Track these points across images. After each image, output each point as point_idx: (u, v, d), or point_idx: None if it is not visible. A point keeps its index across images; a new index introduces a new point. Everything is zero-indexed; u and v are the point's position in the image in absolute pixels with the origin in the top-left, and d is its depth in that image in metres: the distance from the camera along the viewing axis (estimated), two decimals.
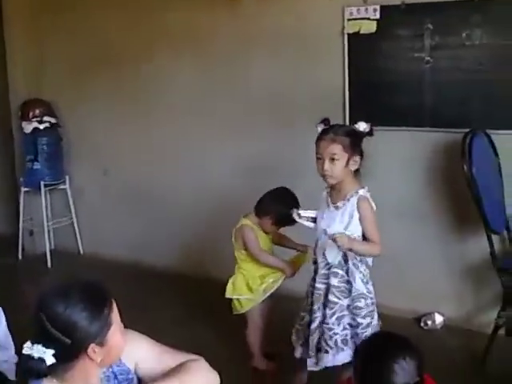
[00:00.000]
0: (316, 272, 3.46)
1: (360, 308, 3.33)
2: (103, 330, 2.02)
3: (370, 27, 4.50)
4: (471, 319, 4.53)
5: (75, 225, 6.51)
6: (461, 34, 4.22)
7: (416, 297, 4.63)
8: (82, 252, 6.54)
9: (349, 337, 3.33)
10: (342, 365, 3.34)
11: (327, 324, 3.35)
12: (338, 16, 4.62)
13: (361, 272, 3.35)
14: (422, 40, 4.36)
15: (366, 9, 4.50)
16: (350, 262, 3.32)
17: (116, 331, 2.08)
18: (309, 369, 3.50)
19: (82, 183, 6.44)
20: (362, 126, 3.32)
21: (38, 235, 6.46)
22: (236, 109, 5.29)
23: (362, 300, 3.34)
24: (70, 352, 1.98)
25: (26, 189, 6.32)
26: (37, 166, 6.19)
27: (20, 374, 1.99)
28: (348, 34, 4.60)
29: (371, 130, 3.33)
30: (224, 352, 4.11)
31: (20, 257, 6.47)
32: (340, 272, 3.34)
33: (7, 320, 3.16)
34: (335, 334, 3.34)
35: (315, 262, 3.48)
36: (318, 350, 3.41)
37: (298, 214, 3.44)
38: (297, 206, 3.84)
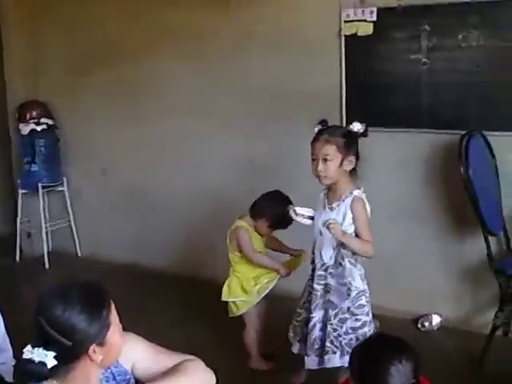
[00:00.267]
0: (314, 271, 3.48)
1: (363, 306, 3.36)
2: (103, 331, 2.02)
3: (366, 29, 4.51)
4: (469, 320, 4.54)
5: (73, 226, 6.51)
6: (457, 35, 4.23)
7: (413, 298, 4.63)
8: (79, 254, 6.54)
9: (353, 341, 3.35)
10: (340, 366, 3.36)
11: (331, 325, 3.39)
12: (335, 18, 4.63)
13: (359, 269, 3.37)
14: (419, 42, 4.37)
15: (363, 11, 4.51)
16: (346, 261, 3.34)
17: (115, 331, 2.09)
18: (307, 367, 3.52)
19: (80, 185, 6.43)
20: (357, 127, 3.35)
21: (36, 237, 6.46)
22: (234, 109, 5.30)
23: (363, 297, 3.37)
24: (71, 353, 1.98)
25: (23, 191, 6.31)
26: (34, 167, 6.18)
27: (19, 377, 1.98)
28: (345, 36, 4.61)
29: (366, 131, 3.37)
30: (222, 353, 4.11)
31: (18, 259, 6.46)
32: (336, 273, 3.36)
33: (5, 322, 3.16)
34: (339, 335, 3.37)
35: (313, 262, 3.50)
36: (325, 351, 3.42)
37: (295, 211, 3.45)
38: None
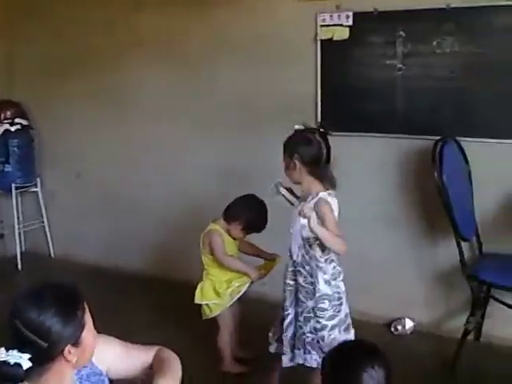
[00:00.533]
0: (287, 268, 3.50)
1: (324, 309, 3.36)
2: (78, 331, 2.03)
3: (342, 34, 4.52)
4: (441, 324, 4.57)
5: (46, 228, 6.48)
6: (432, 41, 4.26)
7: (386, 302, 4.65)
8: (53, 255, 6.51)
9: (315, 341, 3.37)
10: (313, 370, 3.37)
11: (299, 321, 3.42)
12: (311, 22, 4.64)
13: (325, 273, 3.37)
14: (395, 47, 4.39)
15: (339, 15, 4.52)
16: (313, 263, 3.35)
17: (89, 331, 2.10)
18: (283, 365, 3.54)
19: (54, 186, 6.40)
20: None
21: (9, 238, 6.41)
22: (208, 114, 5.30)
23: (326, 301, 3.37)
24: (47, 355, 1.98)
25: None
26: (8, 168, 6.13)
27: None
28: (321, 41, 4.62)
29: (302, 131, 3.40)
30: (196, 356, 4.10)
31: None
32: (303, 272, 3.38)
33: None
34: (304, 333, 3.40)
35: (291, 257, 3.52)
36: (293, 346, 3.47)
37: (280, 183, 3.48)
38: (265, 212, 3.94)
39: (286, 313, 3.48)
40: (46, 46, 6.12)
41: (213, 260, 3.99)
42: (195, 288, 4.02)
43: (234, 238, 4.04)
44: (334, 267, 3.41)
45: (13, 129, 6.10)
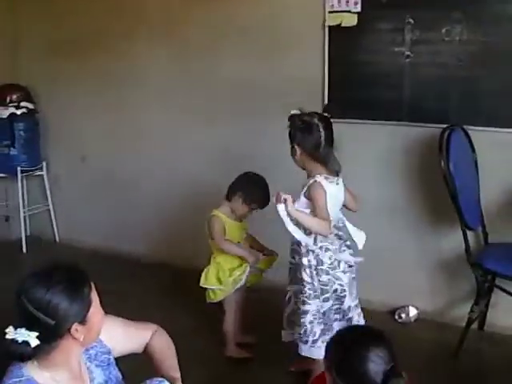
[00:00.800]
0: (290, 246, 3.57)
1: (303, 295, 3.41)
2: (85, 309, 2.07)
3: (351, 20, 4.50)
4: (445, 313, 4.57)
5: (51, 211, 6.49)
6: (441, 29, 4.23)
7: (390, 290, 4.66)
8: (57, 239, 6.52)
9: (299, 322, 3.47)
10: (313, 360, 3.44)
11: (297, 299, 3.50)
12: (319, 8, 4.62)
13: (308, 262, 3.38)
14: (403, 34, 4.36)
15: (347, 2, 4.50)
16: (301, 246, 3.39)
17: (96, 310, 2.14)
18: (282, 339, 3.68)
19: (59, 170, 6.41)
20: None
21: (14, 221, 6.43)
22: (212, 97, 5.29)
23: (306, 289, 3.41)
24: (54, 333, 2.01)
25: (1, 174, 6.26)
26: (13, 151, 6.13)
27: (3, 357, 2.00)
28: (329, 27, 4.60)
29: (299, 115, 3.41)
30: (200, 340, 4.14)
31: None
32: (296, 251, 3.46)
33: None
34: (295, 310, 3.54)
35: None
36: (293, 322, 3.58)
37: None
38: (264, 185, 3.96)
39: (287, 289, 3.56)
40: (52, 29, 6.11)
41: (217, 246, 4.01)
42: (201, 272, 4.02)
43: (240, 219, 4.04)
44: (331, 257, 3.41)
45: (19, 112, 6.10)
